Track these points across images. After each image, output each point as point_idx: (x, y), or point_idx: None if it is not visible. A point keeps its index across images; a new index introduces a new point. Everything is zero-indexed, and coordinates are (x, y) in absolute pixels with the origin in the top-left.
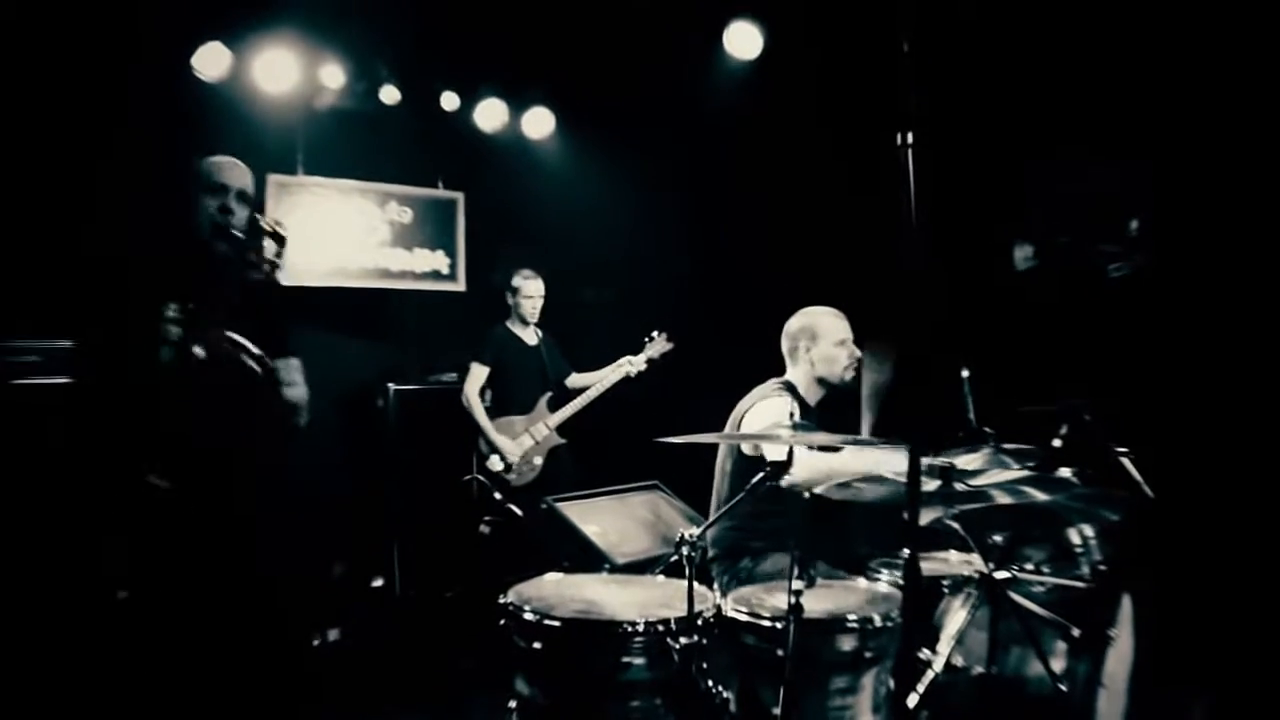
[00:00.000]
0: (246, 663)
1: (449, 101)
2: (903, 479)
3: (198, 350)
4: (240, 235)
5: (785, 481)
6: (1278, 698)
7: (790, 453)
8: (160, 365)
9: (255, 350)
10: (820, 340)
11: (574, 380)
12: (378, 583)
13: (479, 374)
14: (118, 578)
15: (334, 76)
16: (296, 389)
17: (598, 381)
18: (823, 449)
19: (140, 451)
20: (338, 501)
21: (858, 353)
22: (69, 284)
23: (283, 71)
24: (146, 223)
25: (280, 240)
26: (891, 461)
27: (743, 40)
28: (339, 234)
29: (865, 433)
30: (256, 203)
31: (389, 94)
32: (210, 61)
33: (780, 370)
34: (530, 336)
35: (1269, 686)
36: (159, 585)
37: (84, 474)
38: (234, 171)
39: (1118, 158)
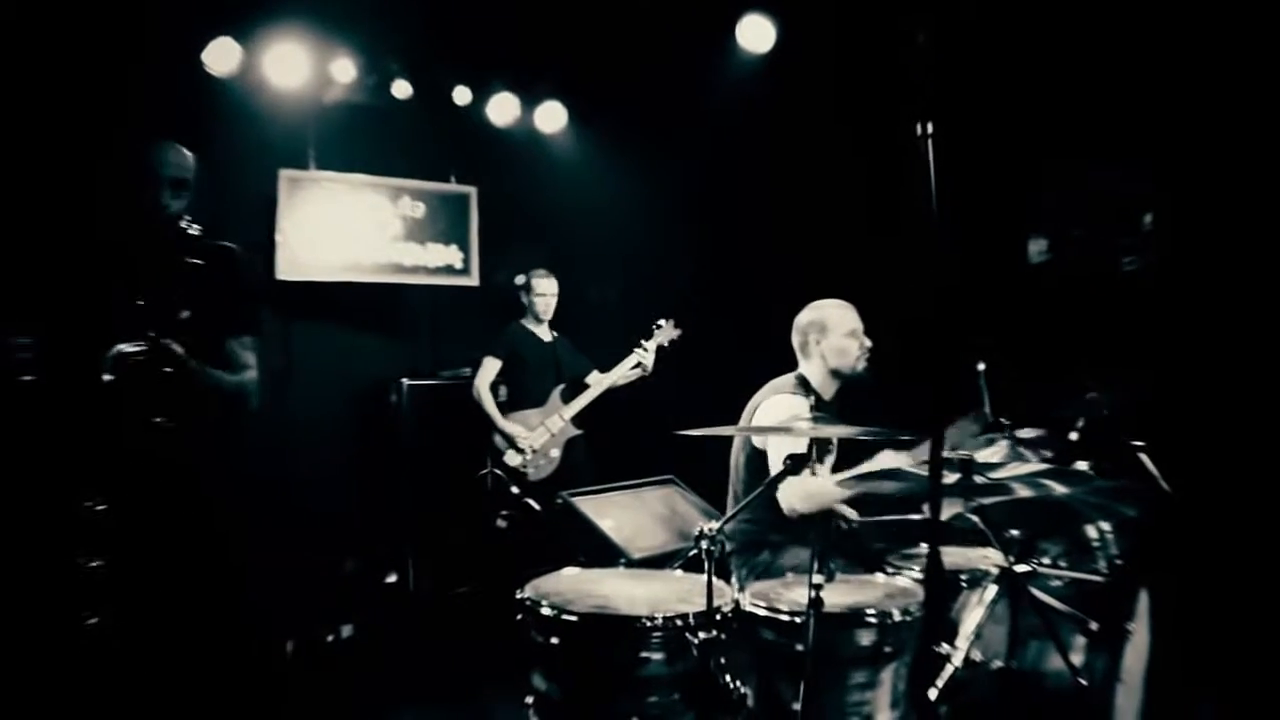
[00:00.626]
0: (214, 668)
1: (461, 96)
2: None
3: (105, 376)
4: (159, 231)
5: (785, 507)
6: None
7: (810, 446)
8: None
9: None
10: (830, 332)
11: (594, 378)
12: (391, 578)
13: (491, 367)
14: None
15: (345, 71)
16: (248, 372)
17: (614, 376)
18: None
19: (78, 469)
20: (350, 497)
21: (869, 343)
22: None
23: (294, 66)
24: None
25: (180, 232)
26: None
27: (755, 34)
28: (351, 229)
29: None
30: (268, 198)
31: (401, 88)
32: (221, 57)
33: (794, 364)
34: (545, 333)
35: None
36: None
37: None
38: (167, 158)
39: (1131, 153)
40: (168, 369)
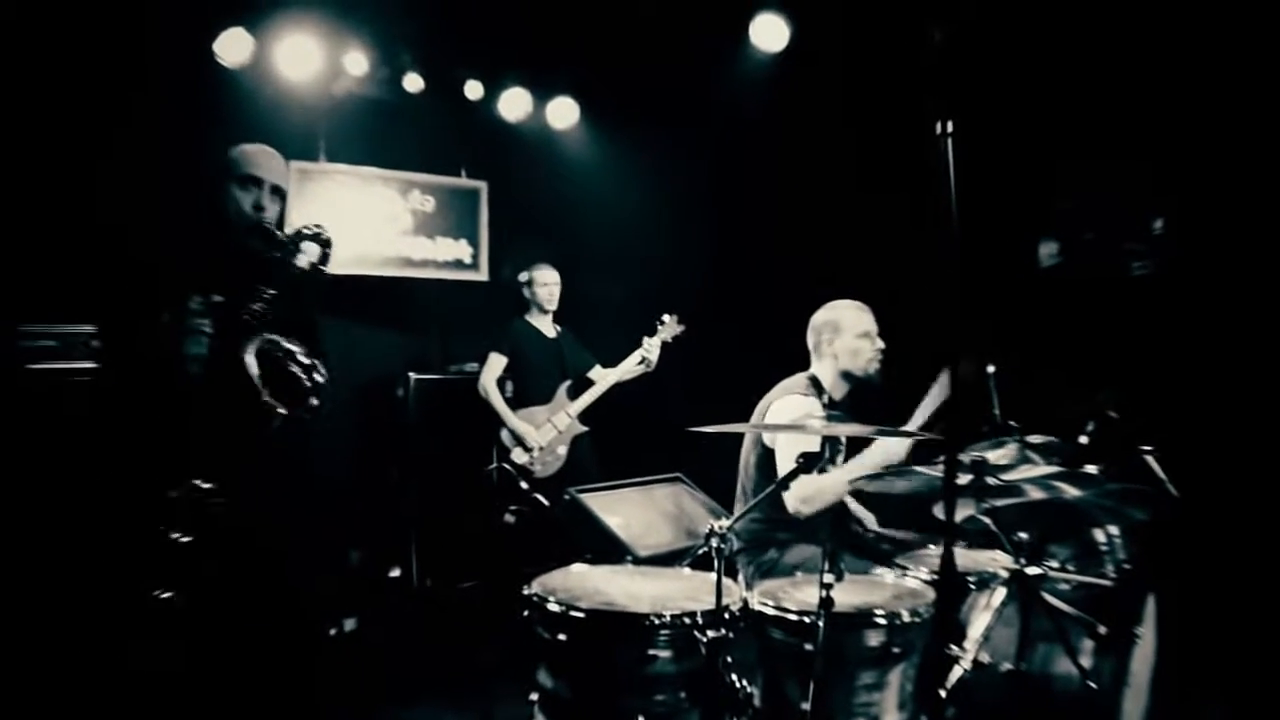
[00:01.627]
0: (271, 660)
1: (473, 90)
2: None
3: (250, 362)
4: (284, 241)
5: (790, 508)
6: None
7: (823, 444)
8: (192, 360)
9: (303, 358)
10: (843, 333)
11: (598, 373)
12: (395, 573)
13: (497, 364)
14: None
15: (357, 64)
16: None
17: (619, 372)
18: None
19: (185, 464)
20: (356, 490)
21: (881, 345)
22: (87, 270)
23: (306, 58)
24: (171, 211)
25: (325, 243)
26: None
27: (769, 33)
28: (361, 222)
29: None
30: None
31: (412, 82)
32: (233, 48)
33: (805, 364)
34: (549, 329)
35: None
36: (201, 590)
37: (108, 465)
38: (269, 163)
39: (1142, 157)
40: (287, 365)
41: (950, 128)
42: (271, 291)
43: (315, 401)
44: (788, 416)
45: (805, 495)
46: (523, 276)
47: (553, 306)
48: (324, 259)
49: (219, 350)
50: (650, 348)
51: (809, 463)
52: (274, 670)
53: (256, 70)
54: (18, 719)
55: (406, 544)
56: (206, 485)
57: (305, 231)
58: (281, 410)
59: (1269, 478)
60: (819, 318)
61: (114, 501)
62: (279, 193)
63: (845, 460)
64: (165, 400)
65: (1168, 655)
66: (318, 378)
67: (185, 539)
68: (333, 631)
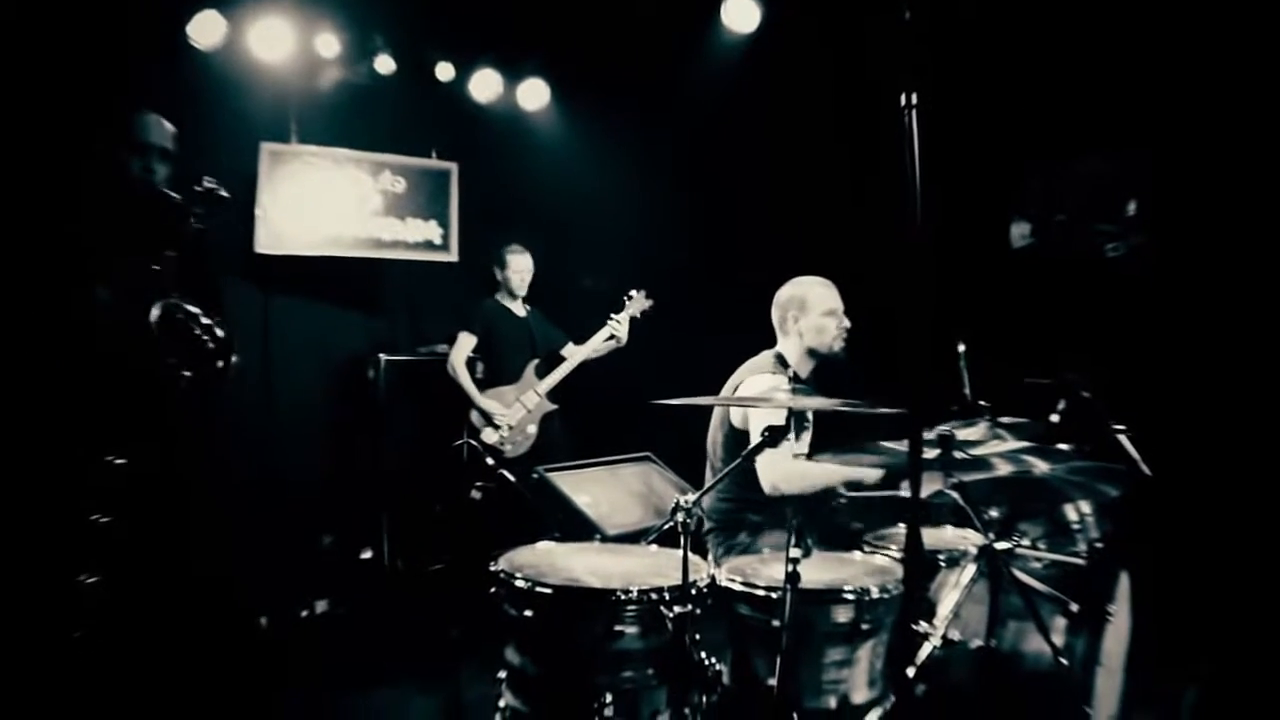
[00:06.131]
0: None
1: (444, 72)
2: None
3: (154, 313)
4: (175, 196)
5: (766, 486)
6: (1271, 676)
7: (788, 419)
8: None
9: (204, 319)
10: (809, 311)
11: (569, 350)
12: (366, 554)
13: (466, 343)
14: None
15: (329, 46)
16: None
17: (588, 348)
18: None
19: (96, 430)
20: (327, 472)
21: (847, 323)
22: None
23: (278, 40)
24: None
25: (214, 200)
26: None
27: (740, 13)
28: (331, 203)
29: None
30: (249, 171)
31: (384, 64)
32: (205, 30)
33: (773, 341)
34: (519, 308)
35: (1263, 665)
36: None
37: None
38: (157, 129)
39: (1118, 141)
40: (191, 328)
41: (915, 100)
42: (170, 254)
43: (220, 363)
44: (757, 394)
45: (787, 475)
46: (494, 258)
47: (523, 292)
48: (211, 213)
49: (120, 317)
50: (618, 323)
51: (774, 437)
52: (200, 653)
53: (229, 52)
54: None
55: (377, 525)
56: (119, 460)
57: (198, 190)
58: (186, 373)
59: (1242, 456)
60: (784, 294)
61: (34, 480)
62: (167, 155)
63: (812, 436)
64: (84, 372)
65: (1141, 634)
66: (219, 333)
67: (104, 519)
68: (304, 613)
